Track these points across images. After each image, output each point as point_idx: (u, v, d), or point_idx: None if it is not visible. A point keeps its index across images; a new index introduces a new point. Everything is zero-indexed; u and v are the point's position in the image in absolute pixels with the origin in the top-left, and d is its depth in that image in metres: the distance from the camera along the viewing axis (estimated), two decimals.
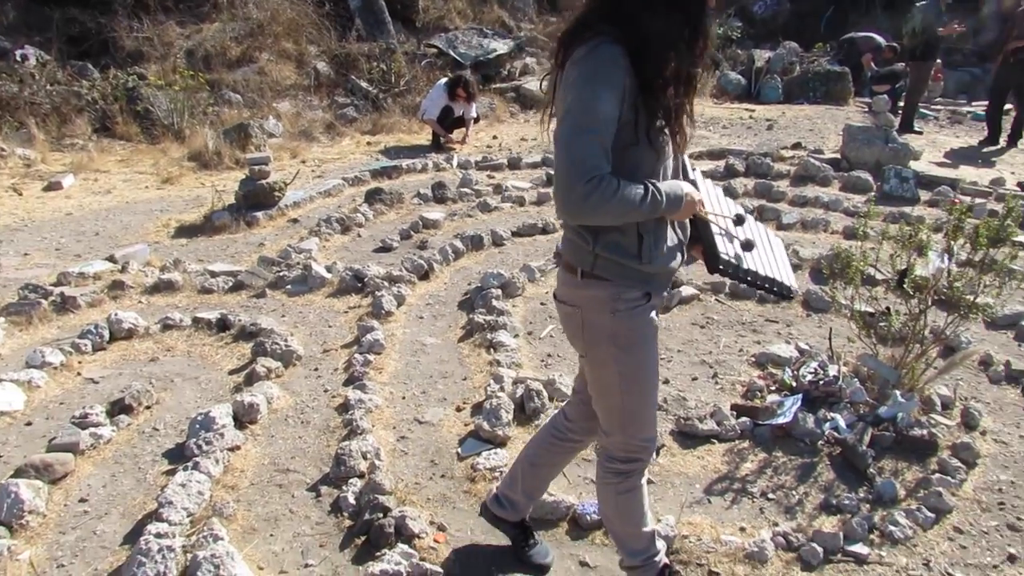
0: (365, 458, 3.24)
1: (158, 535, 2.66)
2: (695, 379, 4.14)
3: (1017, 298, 5.01)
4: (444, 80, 9.83)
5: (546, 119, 2.14)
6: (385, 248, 6.01)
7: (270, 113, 10.14)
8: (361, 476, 3.16)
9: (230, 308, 4.92)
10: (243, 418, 3.59)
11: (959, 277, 3.72)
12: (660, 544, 2.50)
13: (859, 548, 2.84)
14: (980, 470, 3.36)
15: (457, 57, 12.21)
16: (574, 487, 3.22)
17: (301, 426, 3.65)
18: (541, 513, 2.96)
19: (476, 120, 10.08)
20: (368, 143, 9.92)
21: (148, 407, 3.74)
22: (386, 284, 5.11)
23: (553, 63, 2.05)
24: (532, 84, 12.34)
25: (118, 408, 3.63)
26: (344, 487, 3.08)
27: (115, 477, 3.22)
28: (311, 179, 8.03)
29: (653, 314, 2.20)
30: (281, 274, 5.35)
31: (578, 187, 1.85)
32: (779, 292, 2.36)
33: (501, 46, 12.76)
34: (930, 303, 3.78)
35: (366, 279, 5.18)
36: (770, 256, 2.38)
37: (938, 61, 12.70)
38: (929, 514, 3.02)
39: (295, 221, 6.71)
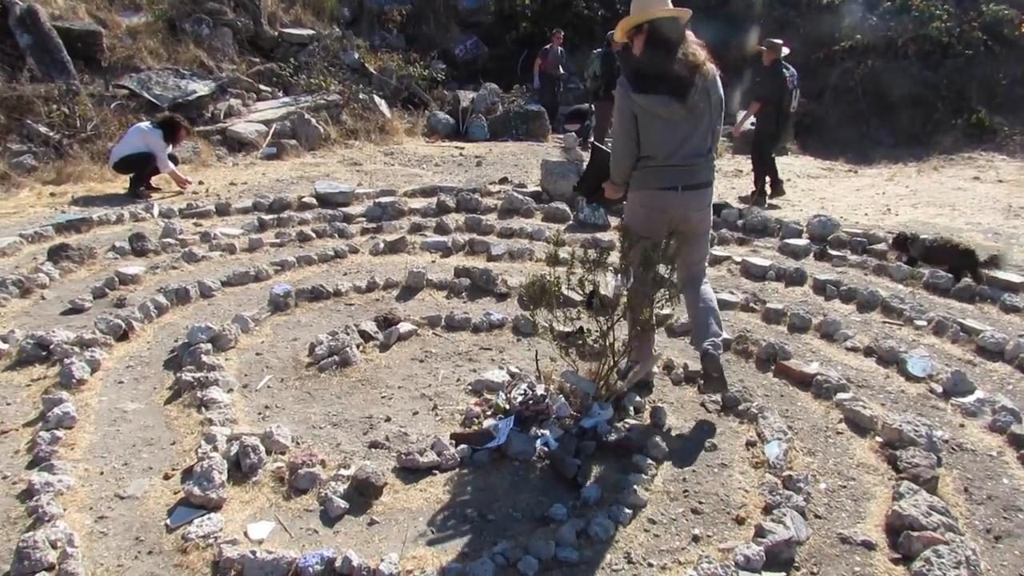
0: (55, 547, 2.90)
1: None
2: (416, 413, 4.23)
3: None
4: (147, 124, 9.18)
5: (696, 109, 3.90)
6: (75, 310, 5.44)
7: None
8: (50, 568, 2.82)
9: None
10: None
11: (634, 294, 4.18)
12: None
13: (569, 553, 3.07)
14: (667, 464, 3.79)
15: (152, 99, 11.45)
16: (296, 541, 3.14)
17: None
18: (259, 574, 2.84)
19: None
20: (52, 194, 8.94)
21: None
22: (77, 349, 4.63)
23: (695, 82, 3.86)
24: (240, 126, 11.92)
25: None
26: None
27: None
28: None
29: None
30: None
31: None
32: None
33: (201, 87, 12.18)
34: (616, 319, 4.20)
35: (52, 346, 4.66)
36: None
37: None
38: (627, 511, 3.34)
39: None
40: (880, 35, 15.60)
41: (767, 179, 9.88)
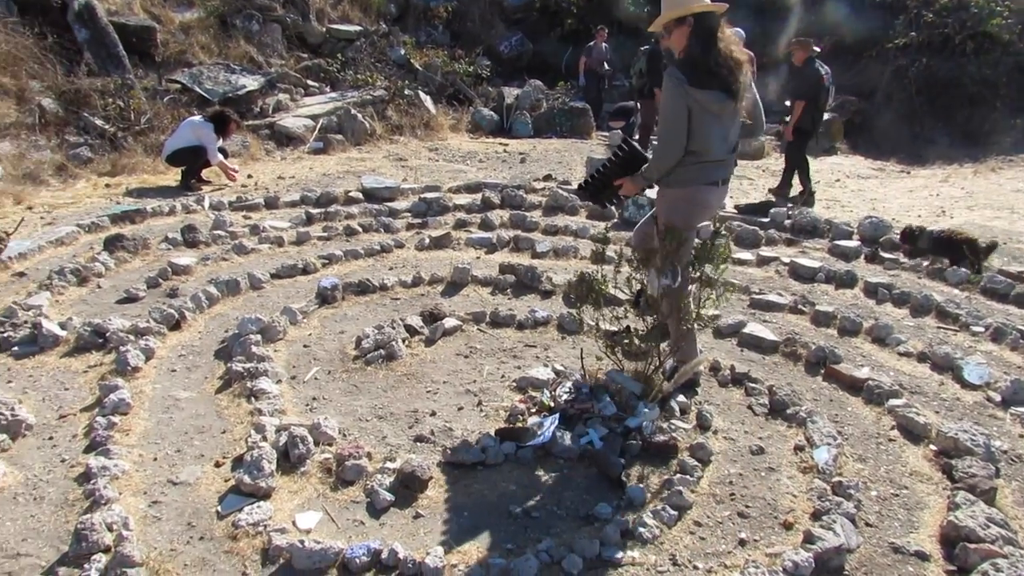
0: (111, 530, 2.97)
1: None
2: (461, 409, 4.24)
3: (738, 308, 5.68)
4: (199, 118, 9.38)
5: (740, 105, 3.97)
6: (130, 299, 5.56)
7: None
8: (107, 550, 2.90)
9: None
10: None
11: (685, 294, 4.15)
12: None
13: (614, 553, 3.06)
14: (714, 466, 3.75)
15: (203, 93, 11.65)
16: (342, 532, 3.17)
17: (34, 503, 3.28)
18: (307, 563, 2.88)
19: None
20: (107, 185, 9.15)
21: None
22: (131, 337, 4.74)
23: (743, 81, 3.90)
24: (287, 121, 12.07)
25: None
26: (87, 565, 2.81)
27: None
28: (40, 227, 7.26)
29: None
30: (5, 335, 4.78)
31: None
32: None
33: (251, 82, 12.35)
34: (665, 319, 4.16)
35: (108, 334, 4.77)
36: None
37: None
38: (672, 512, 3.32)
39: (21, 274, 6.03)
40: (936, 32, 15.22)
41: (793, 176, 9.91)
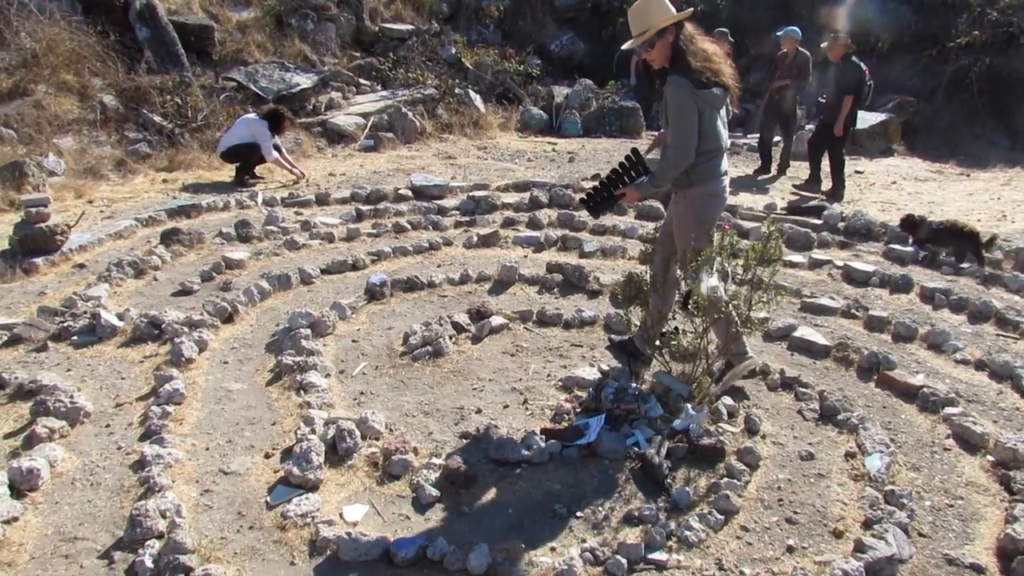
0: (164, 517, 3.05)
1: None
2: (506, 407, 4.25)
3: (789, 311, 5.58)
4: (253, 115, 9.54)
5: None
6: (184, 291, 5.70)
7: (50, 150, 9.33)
8: (160, 536, 2.98)
9: (5, 365, 4.49)
10: (21, 486, 3.29)
11: (735, 296, 4.10)
12: None
13: (659, 555, 3.04)
14: (762, 471, 3.70)
15: (258, 91, 11.87)
16: (388, 525, 3.20)
17: (91, 489, 3.39)
18: (353, 555, 2.92)
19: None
20: (164, 180, 9.39)
21: None
22: (186, 329, 4.85)
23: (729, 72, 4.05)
24: (339, 119, 12.22)
25: None
26: (140, 550, 2.89)
27: None
28: (99, 220, 7.48)
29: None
30: (65, 324, 4.94)
31: None
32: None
33: (304, 80, 12.55)
34: (711, 321, 4.12)
35: (163, 325, 4.90)
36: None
37: None
38: (719, 516, 3.28)
39: (81, 266, 6.22)
40: (1000, 31, 14.75)
41: (843, 174, 9.85)
